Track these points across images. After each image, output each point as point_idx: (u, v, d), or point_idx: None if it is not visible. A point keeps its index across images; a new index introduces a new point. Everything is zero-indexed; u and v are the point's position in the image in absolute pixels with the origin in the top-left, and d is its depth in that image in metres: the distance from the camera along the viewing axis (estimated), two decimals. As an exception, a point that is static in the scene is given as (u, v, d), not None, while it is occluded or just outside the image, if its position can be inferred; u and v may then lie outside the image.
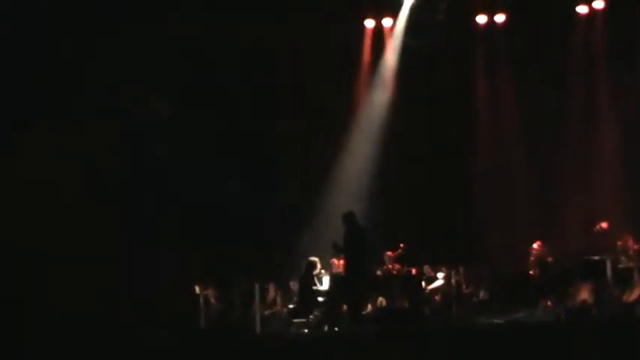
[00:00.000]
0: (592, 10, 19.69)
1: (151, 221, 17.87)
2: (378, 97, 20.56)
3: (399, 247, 17.62)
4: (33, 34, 16.97)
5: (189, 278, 17.73)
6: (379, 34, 20.48)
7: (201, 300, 17.64)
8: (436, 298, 17.90)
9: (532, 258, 17.46)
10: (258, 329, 17.29)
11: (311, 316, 17.20)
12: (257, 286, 17.51)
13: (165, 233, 17.94)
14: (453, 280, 17.84)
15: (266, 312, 18.01)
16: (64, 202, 16.95)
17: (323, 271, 17.55)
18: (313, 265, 17.33)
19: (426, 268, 18.05)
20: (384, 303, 17.37)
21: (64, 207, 16.90)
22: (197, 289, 17.72)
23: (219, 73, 19.11)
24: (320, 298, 17.23)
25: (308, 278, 17.30)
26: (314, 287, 17.29)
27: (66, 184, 17.01)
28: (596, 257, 16.37)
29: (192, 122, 18.87)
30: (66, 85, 17.46)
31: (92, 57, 17.71)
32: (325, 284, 17.39)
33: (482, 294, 17.77)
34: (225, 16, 18.61)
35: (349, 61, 20.18)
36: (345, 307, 16.63)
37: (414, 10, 20.05)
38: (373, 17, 20.47)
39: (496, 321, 16.13)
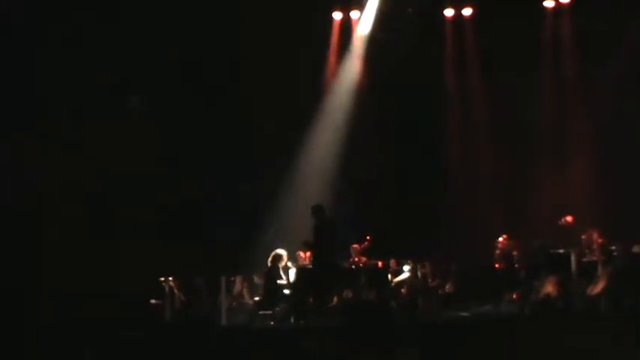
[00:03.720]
0: (558, 4, 19.80)
1: (121, 216, 17.95)
2: (345, 91, 20.53)
3: (365, 240, 17.59)
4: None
5: (155, 270, 17.59)
6: (347, 26, 20.56)
7: (167, 292, 17.57)
8: (402, 290, 17.79)
9: (498, 252, 17.57)
10: (223, 321, 17.07)
11: (277, 309, 17.04)
12: (223, 278, 17.37)
13: (134, 227, 17.89)
14: (419, 273, 17.85)
15: (233, 304, 17.87)
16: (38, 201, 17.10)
17: (289, 263, 17.45)
18: (279, 257, 17.23)
19: (392, 261, 17.97)
20: (350, 295, 17.25)
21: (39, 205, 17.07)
22: (162, 281, 17.64)
23: (192, 66, 19.22)
24: (286, 291, 17.16)
25: (274, 271, 17.22)
26: (280, 280, 17.20)
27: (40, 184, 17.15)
28: (561, 251, 16.49)
29: (166, 118, 18.87)
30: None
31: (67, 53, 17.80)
32: (292, 277, 17.29)
33: (448, 287, 17.76)
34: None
35: (317, 53, 20.23)
36: (311, 299, 16.54)
37: (382, 2, 20.04)
38: (341, 9, 20.50)
39: (462, 314, 16.26)
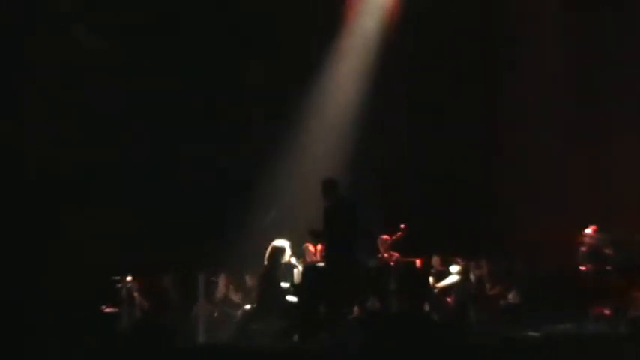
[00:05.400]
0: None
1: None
2: (369, 29, 19.46)
3: (399, 230, 16.41)
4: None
5: (109, 266, 16.70)
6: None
7: (123, 295, 16.61)
8: (448, 299, 17.10)
9: (583, 248, 16.60)
10: (200, 337, 16.35)
11: (276, 321, 15.43)
12: (201, 277, 16.52)
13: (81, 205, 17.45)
14: (471, 276, 17.12)
15: (214, 313, 17.16)
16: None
17: (294, 259, 16.08)
18: (280, 251, 15.74)
19: (435, 259, 17.25)
20: (376, 305, 16.22)
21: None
22: (118, 281, 16.76)
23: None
24: (289, 297, 15.71)
25: (273, 269, 15.71)
26: (281, 282, 15.80)
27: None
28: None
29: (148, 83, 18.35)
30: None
31: None
32: (296, 277, 15.93)
33: (511, 296, 16.90)
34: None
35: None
36: (322, 309, 15.14)
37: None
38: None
39: (531, 333, 15.13)
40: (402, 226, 16.30)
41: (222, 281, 17.31)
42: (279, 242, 15.83)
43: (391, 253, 16.46)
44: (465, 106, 19.19)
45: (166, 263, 17.30)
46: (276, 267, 15.71)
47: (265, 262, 15.78)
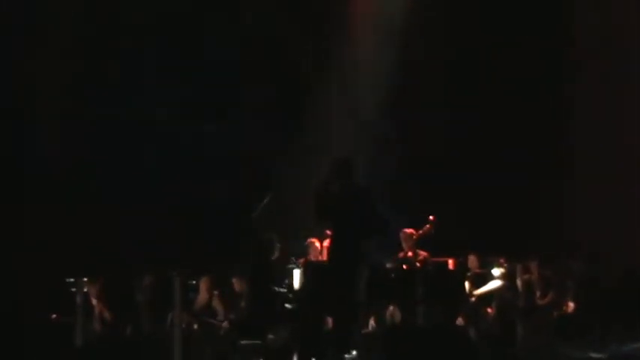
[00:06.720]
0: None
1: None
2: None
3: (427, 223, 15.52)
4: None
5: (60, 266, 15.81)
6: None
7: (79, 302, 15.04)
8: (489, 310, 16.09)
9: None
10: (176, 355, 14.17)
11: (271, 336, 14.88)
12: (177, 280, 14.56)
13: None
14: (518, 281, 16.09)
15: (193, 325, 15.82)
16: None
17: (294, 258, 15.20)
18: (274, 246, 15.08)
19: (472, 259, 16.26)
20: (397, 317, 15.58)
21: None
22: (71, 284, 15.41)
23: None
24: (287, 305, 14.95)
25: (267, 270, 14.96)
26: (277, 286, 15.04)
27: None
28: None
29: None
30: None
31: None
32: (297, 281, 15.01)
33: (568, 306, 15.91)
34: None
35: None
36: (329, 320, 14.53)
37: None
38: None
39: (593, 355, 14.07)
40: (431, 218, 15.38)
41: (203, 285, 16.02)
42: (272, 235, 15.12)
43: (417, 251, 15.65)
44: (514, 54, 17.76)
45: (134, 263, 16.51)
46: (271, 267, 14.95)
47: (257, 260, 15.01)
